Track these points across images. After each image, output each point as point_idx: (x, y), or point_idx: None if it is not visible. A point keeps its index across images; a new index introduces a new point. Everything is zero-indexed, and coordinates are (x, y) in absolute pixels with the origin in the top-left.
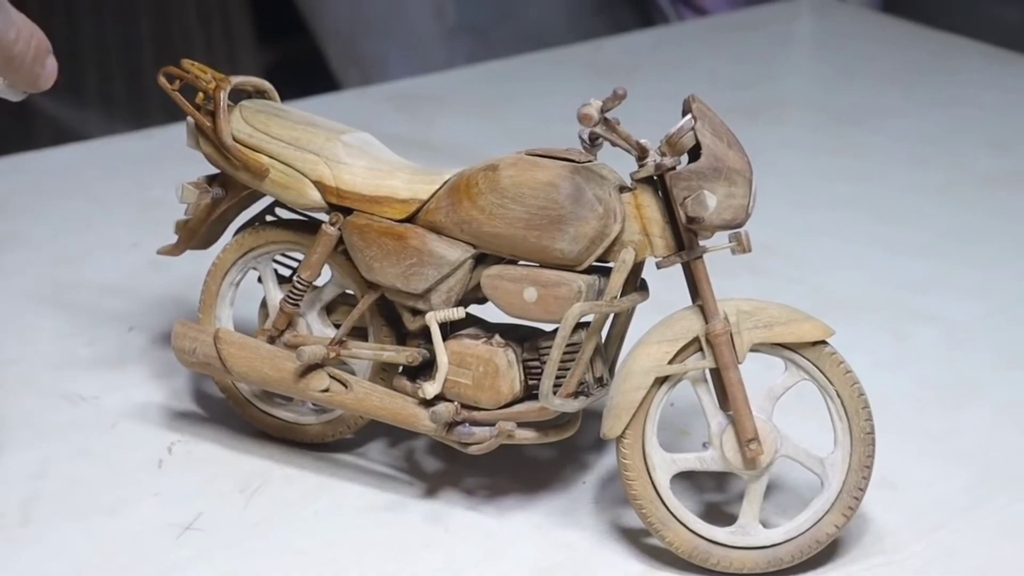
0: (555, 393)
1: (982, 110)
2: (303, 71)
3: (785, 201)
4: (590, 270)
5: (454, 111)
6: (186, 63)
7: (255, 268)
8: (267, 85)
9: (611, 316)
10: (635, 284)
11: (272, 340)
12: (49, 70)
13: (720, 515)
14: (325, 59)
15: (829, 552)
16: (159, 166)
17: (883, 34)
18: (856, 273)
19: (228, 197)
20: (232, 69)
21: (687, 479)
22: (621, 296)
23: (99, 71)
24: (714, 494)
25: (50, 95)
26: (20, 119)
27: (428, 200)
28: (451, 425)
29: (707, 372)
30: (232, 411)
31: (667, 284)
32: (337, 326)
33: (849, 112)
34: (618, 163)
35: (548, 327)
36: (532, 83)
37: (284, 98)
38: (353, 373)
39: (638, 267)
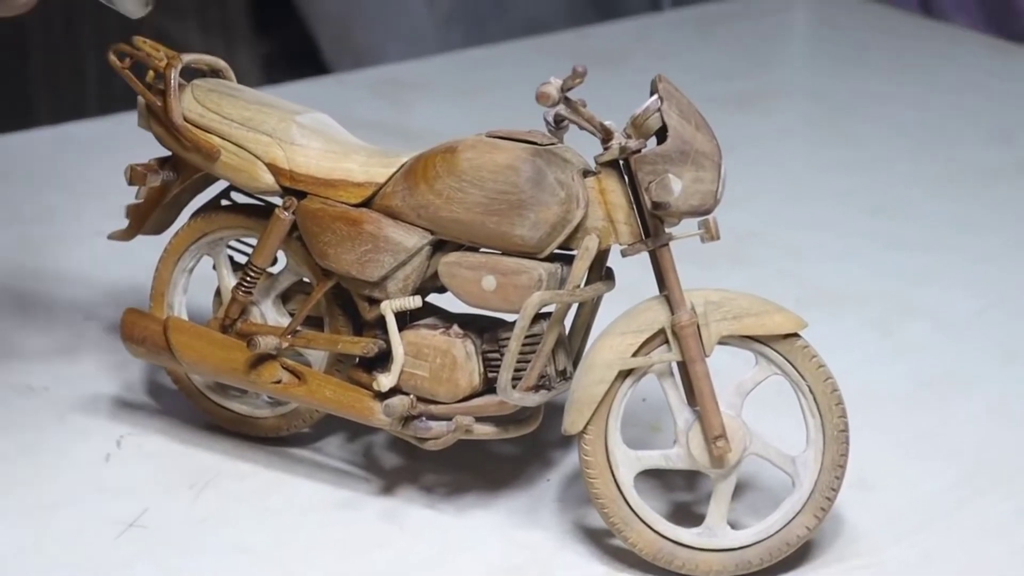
0: (515, 387)
1: (981, 101)
2: (298, 60)
3: (777, 192)
4: (552, 258)
5: (434, 97)
6: (138, 40)
7: (209, 255)
8: (222, 63)
9: (575, 307)
10: (600, 273)
11: (225, 329)
12: None
13: (689, 516)
14: (319, 49)
15: (801, 555)
16: (129, 153)
17: (880, 22)
18: (848, 266)
19: (180, 180)
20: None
21: (656, 477)
22: (585, 285)
23: (97, 56)
24: (684, 493)
25: (50, 77)
26: (22, 97)
27: (385, 184)
28: (407, 419)
29: (674, 365)
30: (185, 404)
31: (642, 273)
32: (293, 315)
33: (845, 102)
34: (587, 148)
35: (510, 318)
36: (516, 70)
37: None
38: (309, 364)
39: (603, 255)
